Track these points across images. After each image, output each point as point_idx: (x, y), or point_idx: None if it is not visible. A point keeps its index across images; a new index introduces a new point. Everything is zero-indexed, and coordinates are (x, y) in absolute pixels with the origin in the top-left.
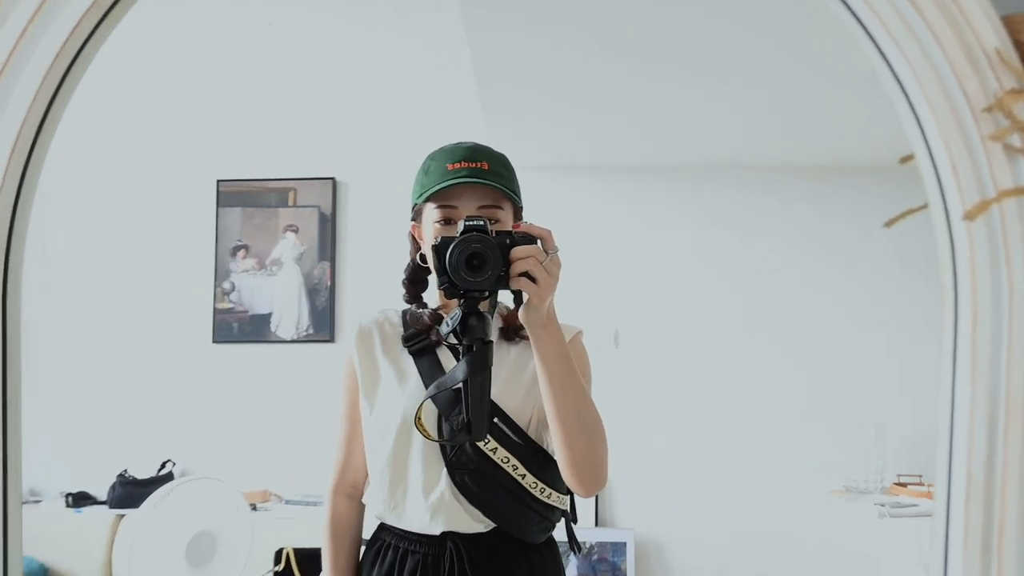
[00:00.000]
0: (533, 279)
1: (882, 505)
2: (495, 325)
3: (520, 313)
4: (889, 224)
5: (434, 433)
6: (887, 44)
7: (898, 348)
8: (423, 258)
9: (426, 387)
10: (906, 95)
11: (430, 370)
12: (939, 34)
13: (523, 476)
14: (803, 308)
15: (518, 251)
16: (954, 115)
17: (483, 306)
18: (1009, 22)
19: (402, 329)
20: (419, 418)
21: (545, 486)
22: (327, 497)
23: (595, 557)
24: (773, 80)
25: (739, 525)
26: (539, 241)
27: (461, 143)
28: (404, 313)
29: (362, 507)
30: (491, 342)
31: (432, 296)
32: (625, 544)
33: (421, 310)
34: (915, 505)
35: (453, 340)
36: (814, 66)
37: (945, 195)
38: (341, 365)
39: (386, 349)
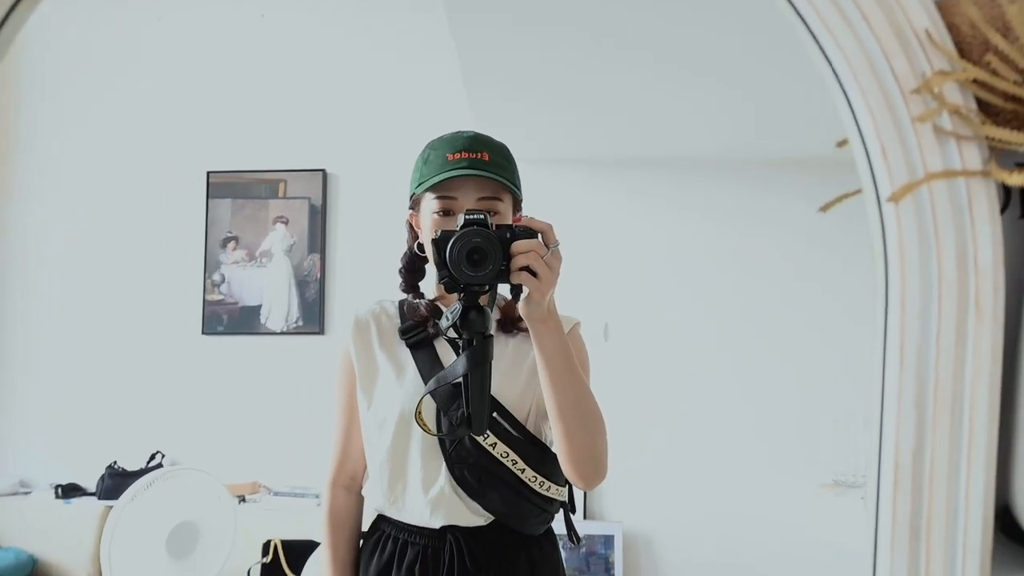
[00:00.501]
0: (534, 273)
1: None
2: (493, 317)
3: (520, 307)
4: (824, 209)
5: (434, 428)
6: (816, 25)
7: None
8: (420, 247)
9: (424, 380)
10: (836, 76)
11: (428, 363)
12: (869, 15)
13: (523, 471)
14: (793, 302)
15: (519, 245)
16: (884, 96)
17: (483, 300)
18: (943, 7)
19: (399, 320)
20: (419, 413)
21: (544, 479)
22: (325, 489)
23: (584, 550)
24: (764, 72)
25: (728, 519)
26: (540, 235)
27: (461, 132)
28: (401, 304)
29: (361, 499)
30: (491, 336)
31: (429, 285)
32: (613, 537)
33: (418, 300)
34: None
35: (453, 334)
36: (807, 58)
37: (876, 178)
38: (337, 356)
39: (383, 341)
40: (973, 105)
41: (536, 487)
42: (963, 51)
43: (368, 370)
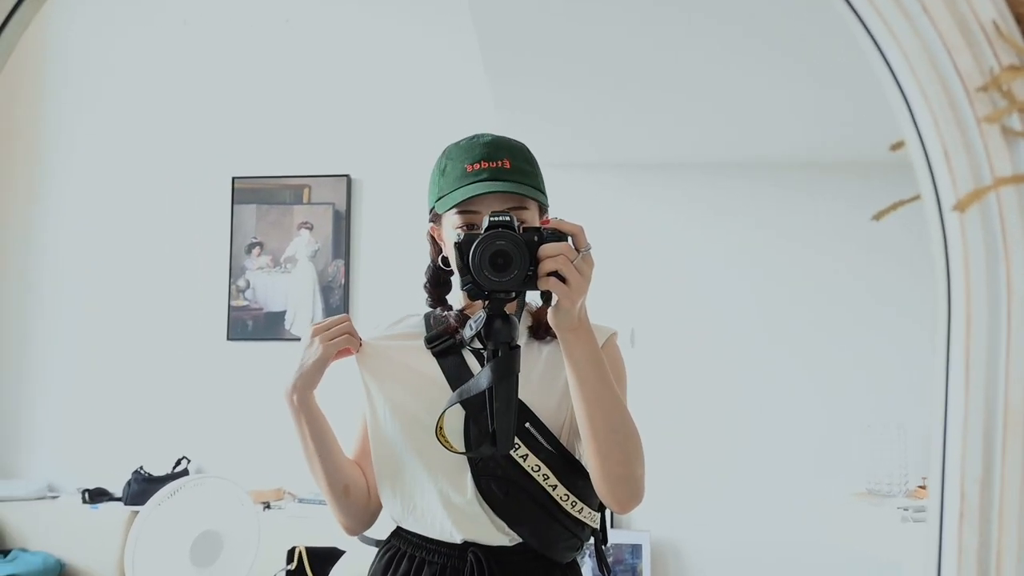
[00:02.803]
0: (563, 279)
1: (905, 509)
2: (523, 324)
3: (549, 316)
4: (878, 217)
5: (457, 443)
6: (871, 18)
7: (921, 347)
8: (445, 261)
9: (452, 387)
10: (893, 74)
11: (456, 371)
12: (929, 6)
13: (554, 487)
14: (824, 307)
15: (547, 249)
16: (946, 95)
17: (509, 308)
18: None
19: (424, 331)
20: (440, 428)
21: (576, 499)
22: None
23: (611, 559)
24: (804, 75)
25: (757, 528)
26: (570, 238)
27: (478, 137)
28: (427, 316)
29: (367, 482)
30: (518, 347)
31: (456, 298)
32: (641, 546)
33: (446, 313)
34: None
35: (477, 344)
36: (838, 63)
37: (937, 184)
38: (358, 372)
39: (407, 353)
40: None
41: (567, 507)
42: None
43: (389, 381)
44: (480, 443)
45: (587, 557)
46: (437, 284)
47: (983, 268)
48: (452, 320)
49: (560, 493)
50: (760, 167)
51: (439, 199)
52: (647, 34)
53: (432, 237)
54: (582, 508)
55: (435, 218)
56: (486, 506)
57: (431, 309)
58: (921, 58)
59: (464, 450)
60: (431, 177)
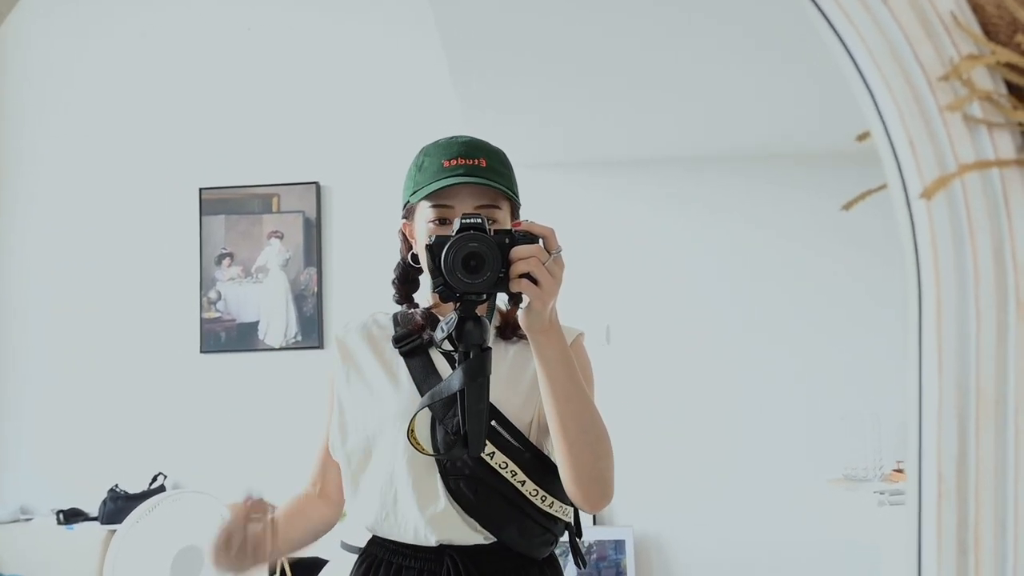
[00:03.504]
0: (535, 281)
1: (881, 493)
2: (491, 327)
3: (520, 317)
4: (847, 206)
5: (428, 445)
6: (834, 13)
7: (894, 336)
8: (415, 258)
9: (418, 388)
10: (857, 67)
11: (423, 371)
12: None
13: (523, 483)
14: (798, 298)
15: (519, 251)
16: (909, 86)
17: (480, 310)
18: None
19: (392, 331)
20: (412, 431)
21: (547, 494)
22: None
23: (595, 556)
24: (772, 68)
25: (738, 518)
26: (541, 240)
27: (457, 137)
28: (395, 316)
29: (327, 510)
30: (489, 349)
31: (424, 296)
32: (624, 542)
33: (413, 310)
34: None
35: (448, 347)
36: (814, 52)
37: (903, 172)
38: (325, 378)
39: (375, 353)
40: (1003, 90)
41: (537, 502)
42: (990, 33)
43: (357, 381)
44: (448, 444)
45: (567, 557)
46: (406, 281)
47: (951, 253)
48: (419, 318)
49: (529, 488)
50: (731, 160)
51: (414, 192)
52: (614, 29)
53: (403, 234)
54: (552, 503)
55: (408, 213)
56: (457, 506)
57: (399, 307)
58: (884, 51)
59: (433, 452)
60: (407, 173)
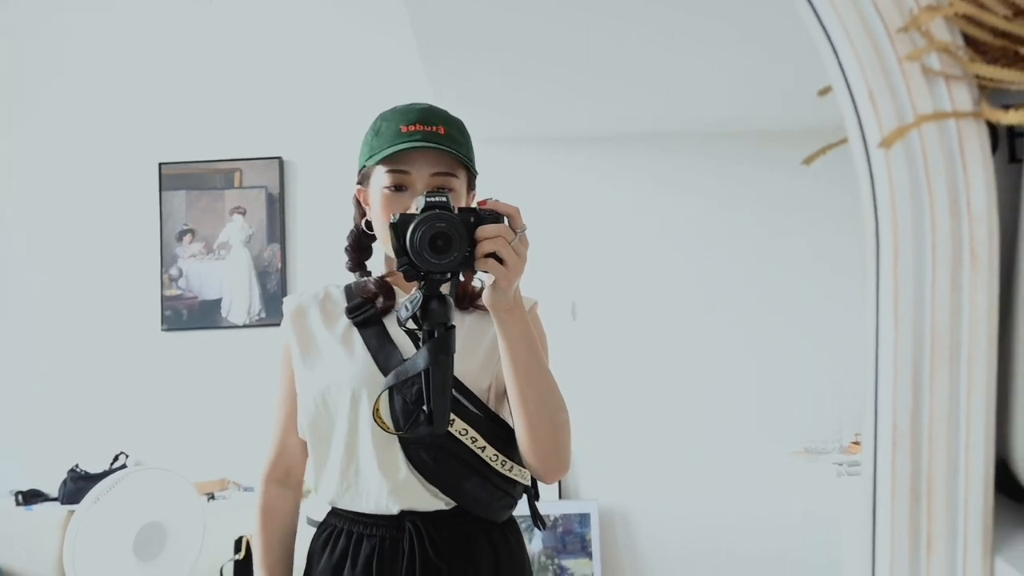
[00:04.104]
0: (501, 260)
1: (840, 464)
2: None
3: (484, 296)
4: (808, 160)
5: (388, 418)
6: None
7: (853, 310)
8: (369, 224)
9: (374, 358)
10: (819, 18)
11: (378, 341)
12: None
13: (483, 448)
14: (760, 273)
15: (485, 230)
16: (869, 37)
17: (443, 288)
18: None
19: (345, 302)
20: (377, 411)
21: (506, 459)
22: (259, 485)
23: (560, 529)
24: (737, 45)
25: (701, 490)
26: (506, 219)
27: (415, 104)
28: (348, 287)
29: (296, 495)
30: (454, 327)
31: (377, 264)
32: (589, 515)
33: (366, 278)
34: None
35: (412, 325)
36: (771, 30)
37: (863, 124)
38: (278, 348)
39: (328, 324)
40: (960, 42)
41: (498, 466)
42: None
43: (311, 355)
44: (409, 416)
45: (535, 532)
46: (358, 248)
47: (908, 203)
48: (373, 287)
49: (489, 454)
50: (694, 136)
51: (370, 157)
52: (576, 10)
53: (358, 200)
54: (512, 467)
55: (363, 179)
56: (418, 475)
57: (354, 279)
58: (845, 2)
59: (398, 431)
60: (364, 138)
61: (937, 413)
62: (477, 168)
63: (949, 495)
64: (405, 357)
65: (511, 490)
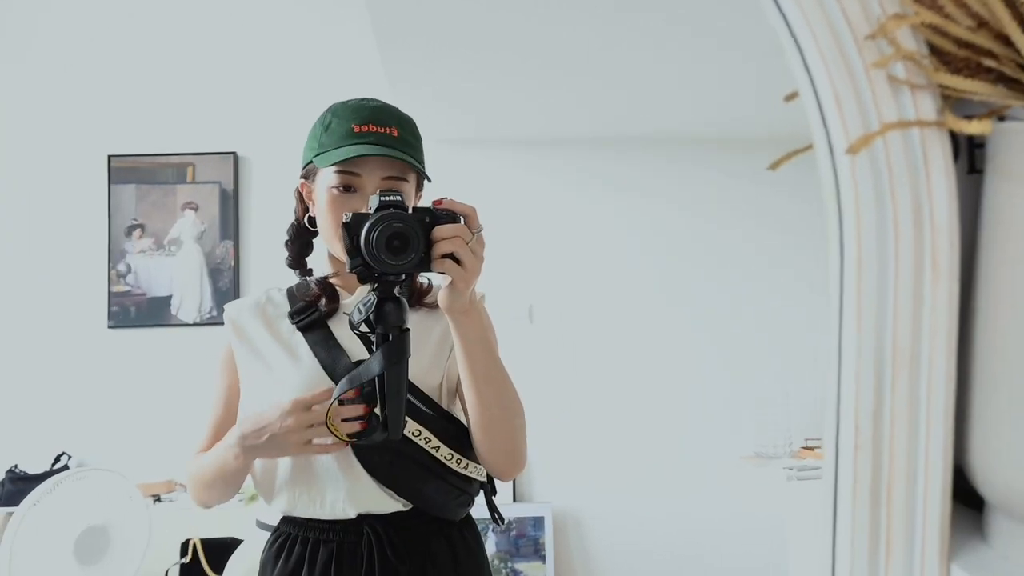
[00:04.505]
0: (458, 261)
1: (790, 469)
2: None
3: (441, 298)
4: (774, 166)
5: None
6: None
7: (804, 317)
8: (311, 220)
9: (321, 364)
10: (787, 22)
11: (324, 345)
12: None
13: (436, 448)
14: (713, 278)
15: (441, 230)
16: (836, 43)
17: (396, 289)
18: None
19: (288, 306)
20: (330, 419)
21: (461, 457)
22: (189, 458)
23: (514, 533)
24: (700, 51)
25: (654, 494)
26: (462, 219)
27: (367, 100)
28: (289, 290)
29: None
30: (408, 330)
31: (319, 261)
32: (543, 518)
33: (308, 278)
34: (821, 467)
35: (365, 328)
36: (738, 38)
37: (829, 130)
38: (219, 349)
39: (271, 329)
40: (925, 51)
41: (452, 465)
42: None
43: (254, 363)
44: (369, 435)
45: (490, 532)
46: (298, 243)
47: (872, 211)
48: (315, 288)
49: (444, 453)
50: (653, 142)
51: (319, 154)
52: (541, 9)
53: (300, 194)
54: (467, 464)
55: (308, 174)
56: (373, 478)
57: (296, 281)
58: (813, 6)
59: (352, 439)
60: (311, 132)
61: (898, 418)
62: (434, 165)
63: (908, 500)
64: (353, 360)
65: (468, 488)
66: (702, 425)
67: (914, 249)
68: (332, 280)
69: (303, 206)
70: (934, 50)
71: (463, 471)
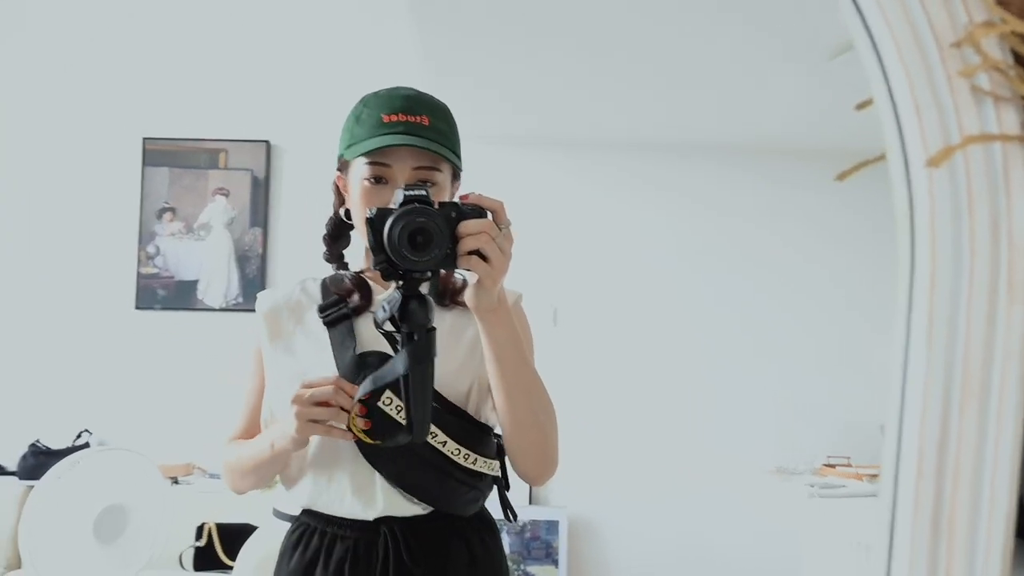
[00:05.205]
0: (485, 258)
1: (812, 486)
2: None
3: (467, 296)
4: (842, 177)
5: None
6: None
7: (831, 336)
8: (348, 213)
9: (336, 360)
10: (866, 26)
11: (341, 341)
12: None
13: (444, 443)
14: (740, 291)
15: (468, 226)
16: (920, 51)
17: (423, 287)
18: None
19: (320, 299)
20: (353, 419)
21: (469, 452)
22: (223, 446)
23: (528, 535)
24: (735, 63)
25: (672, 504)
26: (489, 214)
27: (399, 89)
28: (324, 281)
29: None
30: (434, 329)
31: (356, 254)
32: (558, 523)
33: (342, 272)
34: (843, 486)
35: (390, 327)
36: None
37: (905, 141)
38: (251, 338)
39: (299, 323)
40: (1011, 61)
41: (460, 460)
42: (1002, 3)
43: (284, 355)
44: (393, 438)
45: (505, 533)
46: (336, 237)
47: (948, 227)
48: (348, 282)
49: (451, 448)
50: (693, 148)
51: (349, 146)
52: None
53: (337, 187)
54: (476, 459)
55: (343, 166)
56: (384, 481)
57: (333, 271)
58: (896, 12)
59: (375, 440)
60: (344, 124)
61: (964, 448)
62: (465, 163)
63: (970, 532)
64: (358, 353)
65: (476, 483)
66: (724, 437)
67: (990, 269)
68: (367, 275)
69: (340, 199)
70: (1018, 60)
71: (471, 466)
